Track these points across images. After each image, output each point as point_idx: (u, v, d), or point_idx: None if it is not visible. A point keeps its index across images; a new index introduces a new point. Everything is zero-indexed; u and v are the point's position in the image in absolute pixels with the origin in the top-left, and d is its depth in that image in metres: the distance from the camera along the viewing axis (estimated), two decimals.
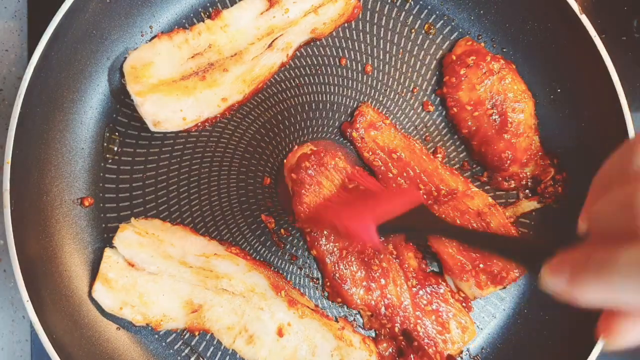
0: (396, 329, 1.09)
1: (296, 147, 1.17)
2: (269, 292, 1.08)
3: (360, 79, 1.20)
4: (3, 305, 1.21)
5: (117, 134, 1.15)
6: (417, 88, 1.21)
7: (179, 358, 1.11)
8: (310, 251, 1.13)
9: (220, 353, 1.12)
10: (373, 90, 1.20)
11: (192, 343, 1.11)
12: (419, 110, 1.21)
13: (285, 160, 1.16)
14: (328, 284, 1.12)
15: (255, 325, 1.07)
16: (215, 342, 1.12)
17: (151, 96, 1.08)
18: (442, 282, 1.13)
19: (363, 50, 1.21)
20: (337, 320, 1.12)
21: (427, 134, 1.20)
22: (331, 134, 1.19)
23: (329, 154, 1.12)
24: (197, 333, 1.11)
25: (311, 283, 1.15)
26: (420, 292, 1.11)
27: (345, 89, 1.20)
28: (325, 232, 1.10)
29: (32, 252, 1.02)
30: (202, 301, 1.07)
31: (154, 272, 1.07)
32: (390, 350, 1.11)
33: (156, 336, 1.11)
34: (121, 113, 1.15)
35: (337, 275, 1.10)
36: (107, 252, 1.09)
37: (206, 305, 1.07)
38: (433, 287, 1.11)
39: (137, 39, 1.16)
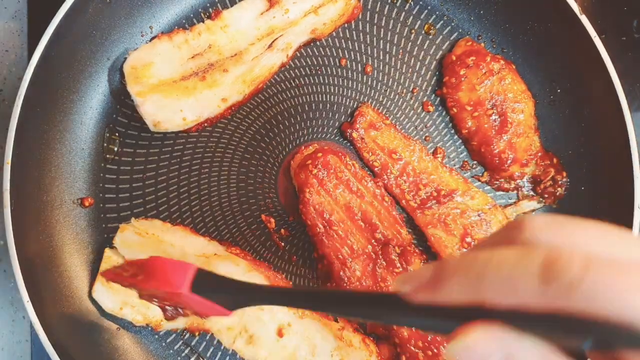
0: (397, 333, 1.09)
1: (302, 147, 1.17)
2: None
3: (360, 79, 1.20)
4: (3, 305, 1.21)
5: (117, 134, 1.15)
6: (417, 88, 1.21)
7: (179, 358, 1.11)
8: (317, 251, 1.13)
9: (220, 353, 1.12)
10: (373, 91, 1.20)
11: (192, 343, 1.11)
12: (419, 111, 1.21)
13: (292, 161, 1.16)
14: (334, 285, 1.12)
15: (255, 326, 1.07)
16: (215, 342, 1.12)
17: (151, 96, 1.08)
18: None
19: (363, 50, 1.21)
20: (336, 320, 1.12)
21: (427, 134, 1.20)
22: (331, 135, 1.20)
23: (335, 155, 1.12)
24: (197, 333, 1.11)
25: (311, 283, 1.15)
26: None
27: (345, 89, 1.20)
28: (332, 233, 1.11)
29: (32, 252, 1.02)
30: None
31: None
32: (391, 353, 1.10)
33: (156, 336, 1.11)
34: (121, 113, 1.16)
35: (345, 277, 1.10)
36: (107, 252, 1.09)
37: None
38: None
39: (137, 39, 1.16)
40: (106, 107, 1.15)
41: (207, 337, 1.12)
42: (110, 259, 1.08)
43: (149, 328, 1.10)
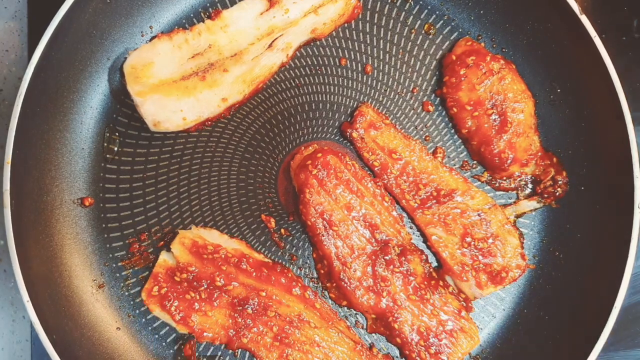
0: (399, 332, 1.09)
1: (302, 147, 1.17)
2: (319, 323, 1.10)
3: (360, 79, 1.20)
4: (3, 305, 1.21)
5: (117, 134, 1.15)
6: (417, 88, 1.21)
7: (179, 358, 1.11)
8: (317, 253, 1.13)
9: (220, 353, 1.12)
10: (373, 91, 1.20)
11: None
12: (419, 111, 1.21)
13: (292, 161, 1.16)
14: (334, 285, 1.12)
15: (296, 355, 1.08)
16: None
17: (151, 96, 1.08)
18: (446, 289, 1.12)
19: (363, 50, 1.21)
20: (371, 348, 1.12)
21: (427, 134, 1.20)
22: (331, 134, 1.20)
23: (335, 155, 1.12)
24: (236, 353, 1.11)
25: (311, 283, 1.15)
26: (427, 297, 1.10)
27: (345, 89, 1.20)
28: (332, 233, 1.11)
29: (32, 252, 1.02)
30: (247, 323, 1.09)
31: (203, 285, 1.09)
32: None
33: (156, 336, 1.11)
34: (121, 113, 1.16)
35: (345, 277, 1.10)
36: (164, 255, 1.10)
37: (249, 327, 1.08)
38: (438, 294, 1.11)
39: (137, 39, 1.16)
40: (106, 107, 1.15)
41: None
42: (165, 262, 1.09)
43: (149, 328, 1.10)
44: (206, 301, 1.07)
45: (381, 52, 1.21)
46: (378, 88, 1.20)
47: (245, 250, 1.12)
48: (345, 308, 1.14)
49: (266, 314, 1.08)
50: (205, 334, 1.07)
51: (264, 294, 1.09)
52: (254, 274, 1.09)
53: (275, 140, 1.18)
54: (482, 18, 1.21)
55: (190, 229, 1.13)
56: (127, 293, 1.12)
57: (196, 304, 1.07)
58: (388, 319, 1.10)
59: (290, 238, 1.16)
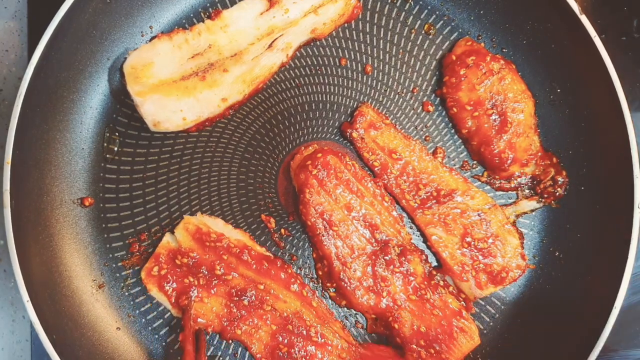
0: (399, 332, 1.09)
1: (302, 147, 1.17)
2: (314, 321, 1.10)
3: (360, 79, 1.20)
4: (3, 305, 1.21)
5: (117, 134, 1.15)
6: (417, 88, 1.21)
7: (178, 358, 1.11)
8: (317, 253, 1.13)
9: (220, 353, 1.12)
10: (373, 91, 1.20)
11: None
12: (418, 111, 1.21)
13: (292, 161, 1.16)
14: (334, 285, 1.12)
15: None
16: (215, 342, 1.12)
17: (151, 96, 1.08)
18: (446, 289, 1.12)
19: (363, 50, 1.21)
20: None
21: (427, 134, 1.20)
22: (331, 134, 1.20)
23: (335, 155, 1.12)
24: (230, 341, 1.11)
25: (311, 283, 1.15)
26: (427, 297, 1.10)
27: (345, 89, 1.20)
28: (332, 233, 1.11)
29: (32, 252, 1.02)
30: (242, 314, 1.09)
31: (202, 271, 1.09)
32: None
33: (156, 336, 1.11)
34: (121, 113, 1.16)
35: (345, 277, 1.10)
36: (167, 236, 1.11)
37: (244, 318, 1.09)
38: (438, 294, 1.11)
39: (137, 39, 1.16)
40: (106, 107, 1.15)
41: (206, 337, 1.12)
42: (169, 243, 1.10)
43: (149, 328, 1.11)
44: (204, 288, 1.08)
45: (381, 52, 1.21)
46: (378, 88, 1.20)
47: (248, 242, 1.12)
48: (345, 308, 1.14)
49: (262, 308, 1.08)
50: (199, 319, 1.08)
51: (262, 287, 1.09)
52: (254, 266, 1.09)
53: (275, 140, 1.18)
54: (482, 18, 1.21)
55: (196, 215, 1.13)
56: (127, 293, 1.12)
57: (194, 289, 1.07)
58: (388, 319, 1.10)
59: (290, 238, 1.16)
